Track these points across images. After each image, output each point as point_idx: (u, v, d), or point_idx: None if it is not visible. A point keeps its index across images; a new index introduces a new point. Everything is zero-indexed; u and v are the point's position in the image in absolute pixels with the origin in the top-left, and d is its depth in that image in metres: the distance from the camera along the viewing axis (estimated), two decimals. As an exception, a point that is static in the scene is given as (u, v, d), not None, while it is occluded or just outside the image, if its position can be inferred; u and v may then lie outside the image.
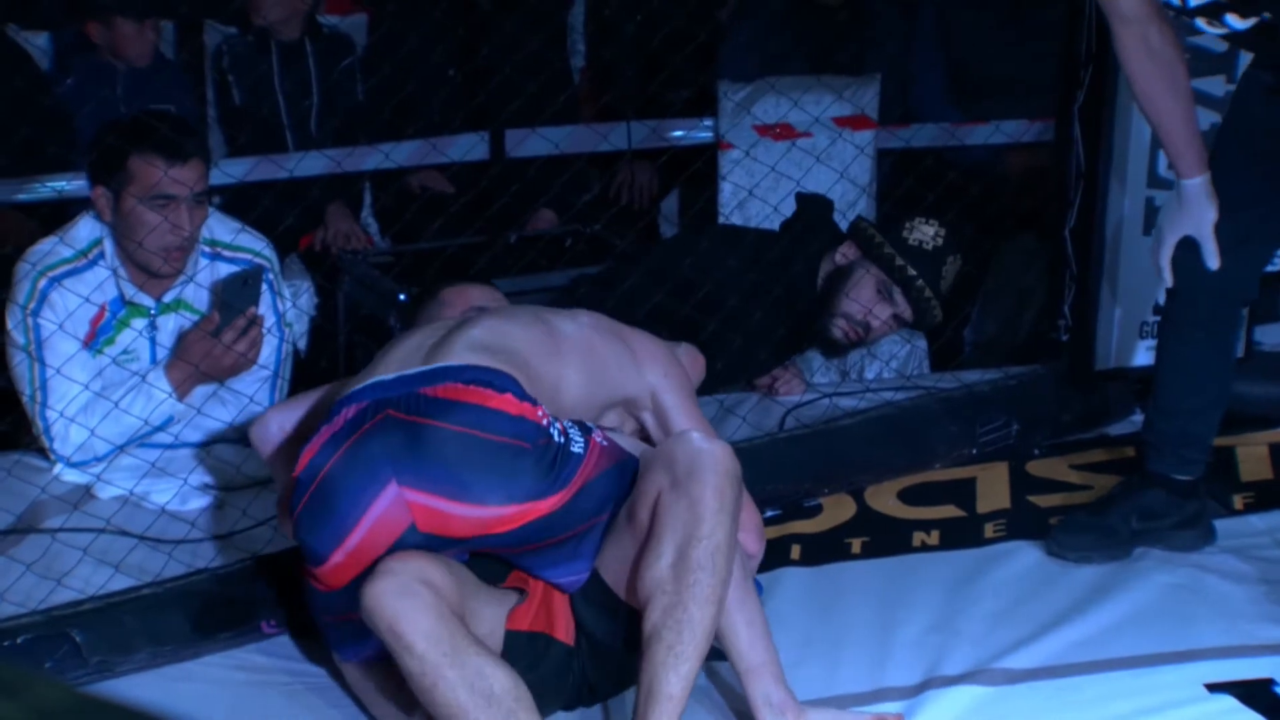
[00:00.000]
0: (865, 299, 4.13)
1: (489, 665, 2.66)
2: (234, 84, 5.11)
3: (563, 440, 2.83)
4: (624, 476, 2.87)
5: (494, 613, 2.85)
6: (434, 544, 2.75)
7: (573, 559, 2.85)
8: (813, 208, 4.36)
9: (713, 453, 2.78)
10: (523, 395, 2.82)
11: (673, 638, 2.70)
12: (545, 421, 2.82)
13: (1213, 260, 3.30)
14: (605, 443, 2.90)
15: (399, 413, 2.78)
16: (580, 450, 2.83)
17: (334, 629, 2.90)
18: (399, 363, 2.92)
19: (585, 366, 3.04)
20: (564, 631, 2.91)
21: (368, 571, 2.73)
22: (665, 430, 3.12)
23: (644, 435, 3.17)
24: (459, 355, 2.88)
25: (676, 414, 3.12)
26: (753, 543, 3.07)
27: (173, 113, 4.13)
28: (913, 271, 4.12)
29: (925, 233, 4.17)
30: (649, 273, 4.10)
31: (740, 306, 4.06)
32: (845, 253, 4.21)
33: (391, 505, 2.73)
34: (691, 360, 3.36)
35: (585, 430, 2.88)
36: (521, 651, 2.80)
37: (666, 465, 2.78)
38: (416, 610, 2.64)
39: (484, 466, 2.75)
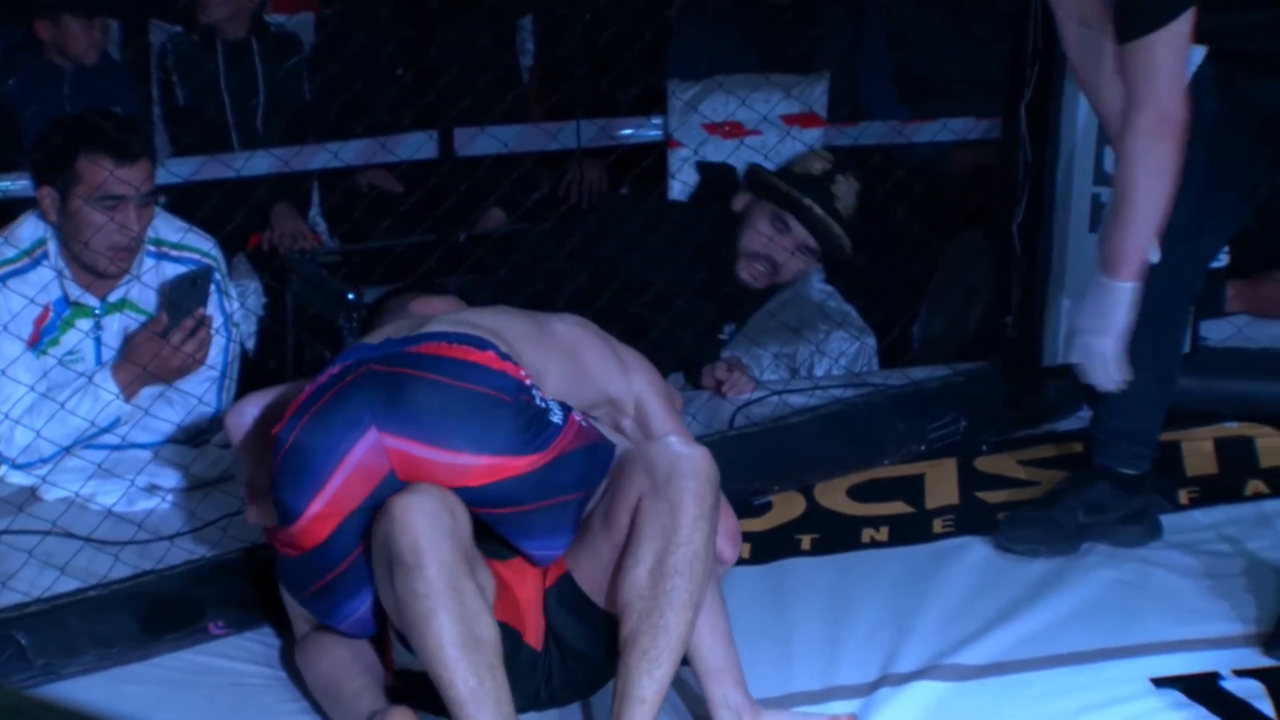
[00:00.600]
0: (761, 232, 4.16)
1: (484, 614, 2.70)
2: (178, 84, 5.08)
3: (543, 405, 2.85)
4: (600, 459, 2.88)
5: (487, 584, 2.84)
6: None
7: (549, 533, 2.86)
8: (716, 176, 4.39)
9: (693, 458, 2.80)
10: (504, 356, 2.86)
11: (647, 642, 2.73)
12: (528, 382, 2.86)
13: (1154, 254, 3.32)
14: (584, 423, 2.91)
15: (381, 365, 2.82)
16: (559, 421, 2.85)
17: (315, 600, 2.89)
18: (384, 334, 2.98)
19: (570, 363, 3.06)
20: (534, 635, 2.91)
21: (344, 526, 2.76)
22: (647, 435, 3.13)
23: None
24: (445, 326, 2.93)
25: (658, 419, 3.13)
26: (728, 549, 3.08)
27: (119, 113, 4.10)
28: (798, 193, 4.14)
29: (811, 162, 4.23)
30: (572, 255, 4.10)
31: (668, 289, 4.05)
32: (740, 199, 4.25)
33: (370, 451, 2.76)
34: (670, 395, 3.37)
35: (565, 408, 2.90)
36: None
37: (646, 469, 2.80)
38: (441, 535, 2.68)
39: (462, 414, 2.78)
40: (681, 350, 4.15)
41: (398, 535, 2.67)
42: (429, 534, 2.67)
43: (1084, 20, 3.19)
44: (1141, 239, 3.11)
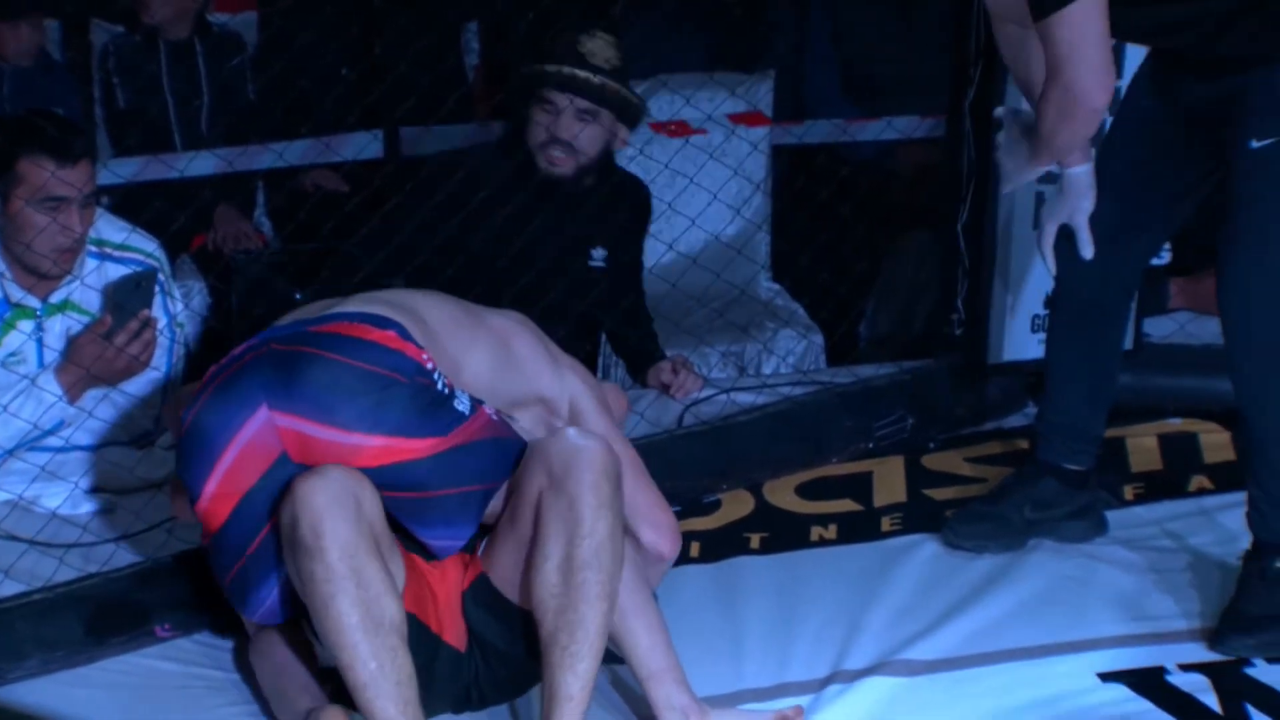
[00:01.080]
0: (538, 122, 4.01)
1: (386, 596, 2.69)
2: (119, 86, 5.04)
3: (446, 391, 2.84)
4: (508, 453, 2.88)
5: (397, 570, 2.83)
6: None
7: (448, 523, 2.85)
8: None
9: (587, 449, 2.80)
10: (407, 336, 2.85)
11: (566, 639, 2.73)
12: (429, 365, 2.84)
13: (1086, 249, 3.35)
14: (495, 417, 2.90)
15: (280, 345, 2.83)
16: (464, 409, 2.84)
17: (235, 586, 2.88)
18: (296, 315, 2.98)
19: (499, 351, 3.06)
20: (454, 635, 2.90)
21: (242, 508, 2.76)
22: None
23: None
24: (356, 306, 2.93)
25: (591, 420, 3.11)
26: (667, 544, 3.08)
27: (60, 113, 4.07)
28: (538, 67, 4.00)
29: (555, 41, 4.06)
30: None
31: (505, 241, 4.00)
32: (520, 108, 4.10)
33: (262, 429, 2.76)
34: (615, 398, 3.37)
35: (476, 401, 2.89)
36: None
37: (544, 464, 2.80)
38: (341, 518, 2.67)
39: (352, 391, 2.77)
40: (554, 298, 4.00)
41: (298, 516, 2.67)
42: (329, 516, 2.67)
43: (1013, 18, 3.21)
44: (1057, 145, 3.20)
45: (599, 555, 2.74)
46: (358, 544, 2.68)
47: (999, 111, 3.42)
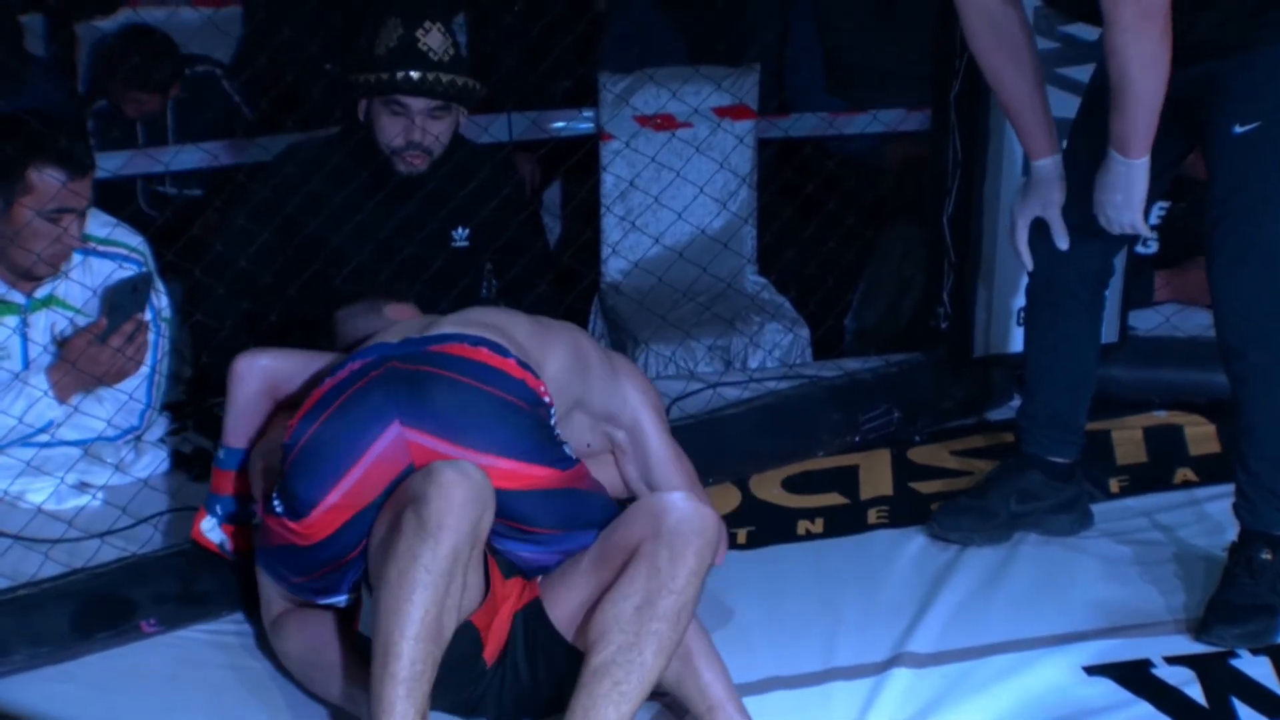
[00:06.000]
0: (389, 127, 3.96)
1: (455, 612, 2.69)
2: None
3: (557, 432, 2.93)
4: (604, 512, 2.92)
5: (473, 581, 2.81)
6: None
7: (546, 546, 2.90)
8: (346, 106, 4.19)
9: (704, 516, 2.82)
10: (524, 365, 2.93)
11: (621, 675, 2.72)
12: (547, 399, 2.93)
13: (1062, 241, 3.35)
14: (592, 478, 2.98)
15: (403, 363, 2.87)
16: (571, 456, 2.92)
17: (304, 586, 2.92)
18: (400, 333, 3.02)
19: (568, 359, 3.10)
20: (492, 649, 2.90)
21: (357, 520, 2.79)
22: (640, 449, 3.21)
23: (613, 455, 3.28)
24: (458, 327, 2.97)
25: (653, 437, 3.20)
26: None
27: (59, 115, 4.04)
28: (385, 74, 3.92)
29: (387, 35, 3.96)
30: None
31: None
32: (361, 106, 4.04)
33: (392, 444, 2.80)
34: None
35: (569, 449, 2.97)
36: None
37: (652, 519, 2.81)
38: (468, 520, 2.66)
39: (484, 415, 2.83)
40: (423, 282, 3.99)
41: (431, 498, 2.66)
42: (461, 513, 2.66)
43: (991, 22, 3.21)
44: (1144, 122, 3.11)
45: (679, 615, 2.75)
46: (467, 552, 2.68)
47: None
